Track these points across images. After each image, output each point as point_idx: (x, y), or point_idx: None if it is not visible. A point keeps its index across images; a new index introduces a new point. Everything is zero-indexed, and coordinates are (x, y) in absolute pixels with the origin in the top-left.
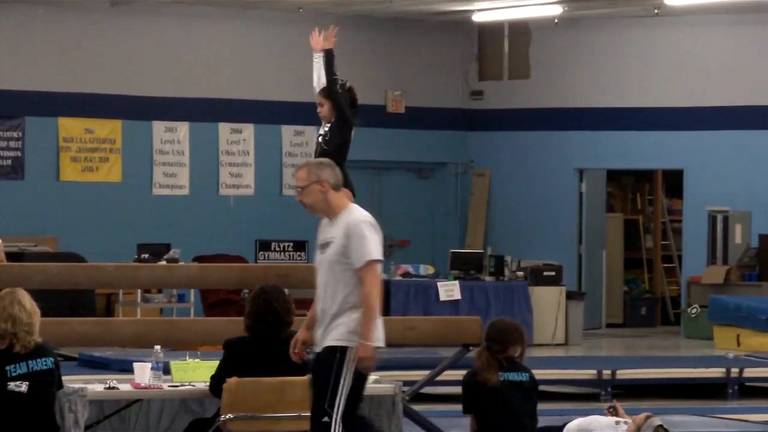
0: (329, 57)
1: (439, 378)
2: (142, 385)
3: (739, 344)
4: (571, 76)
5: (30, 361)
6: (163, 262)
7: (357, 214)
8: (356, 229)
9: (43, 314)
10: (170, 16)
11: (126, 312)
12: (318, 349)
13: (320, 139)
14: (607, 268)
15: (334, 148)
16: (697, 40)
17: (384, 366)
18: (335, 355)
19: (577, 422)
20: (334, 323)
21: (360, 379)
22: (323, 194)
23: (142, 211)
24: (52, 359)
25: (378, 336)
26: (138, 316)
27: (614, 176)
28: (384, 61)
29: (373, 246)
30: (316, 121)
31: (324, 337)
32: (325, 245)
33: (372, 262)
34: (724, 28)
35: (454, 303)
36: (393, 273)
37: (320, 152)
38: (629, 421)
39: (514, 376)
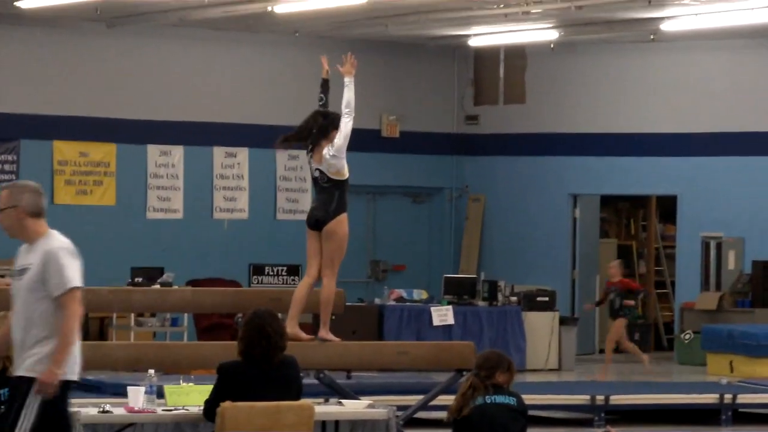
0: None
1: (432, 403)
2: (136, 408)
3: (732, 370)
4: (566, 101)
5: None
6: (157, 286)
7: (56, 241)
8: (55, 256)
9: None
10: (165, 40)
11: (119, 335)
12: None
13: None
14: (601, 294)
15: None
16: (693, 65)
17: (378, 390)
18: (23, 385)
19: None
20: (29, 353)
21: (52, 408)
22: (18, 220)
23: (136, 235)
24: None
25: (71, 368)
26: (131, 340)
27: (608, 202)
28: (379, 86)
29: (73, 273)
30: None
31: (19, 367)
32: (22, 272)
33: (72, 290)
34: (719, 54)
35: (447, 328)
36: (386, 298)
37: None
38: None
39: (501, 399)
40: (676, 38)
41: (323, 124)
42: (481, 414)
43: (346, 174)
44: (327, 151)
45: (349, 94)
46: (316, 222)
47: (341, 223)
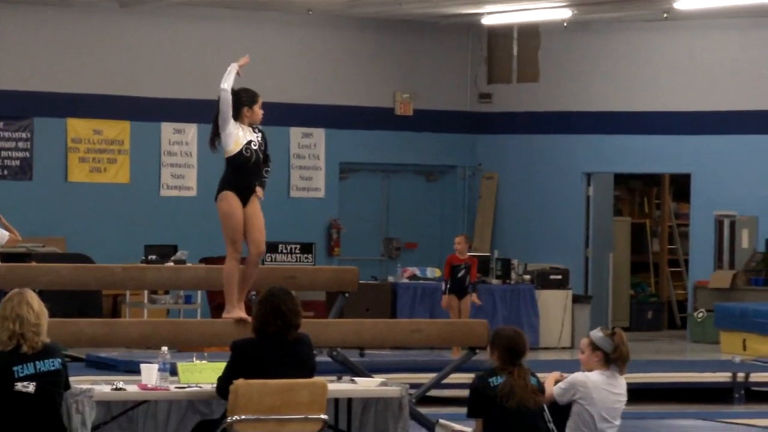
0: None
1: (445, 381)
2: (149, 386)
3: (745, 348)
4: (579, 79)
5: (37, 362)
6: (171, 264)
7: None
8: None
9: (51, 315)
10: (179, 18)
11: (133, 313)
12: None
13: (256, 146)
14: (614, 272)
15: None
16: (706, 44)
17: (391, 368)
18: None
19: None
20: None
21: None
22: None
23: (149, 213)
24: (59, 360)
25: None
26: (145, 317)
27: (622, 180)
28: (393, 64)
29: None
30: (324, 124)
31: None
32: None
33: None
34: (733, 32)
35: None
36: (400, 275)
37: (263, 159)
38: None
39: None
40: (689, 16)
41: (232, 102)
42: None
43: (230, 152)
44: None
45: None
46: None
47: (219, 201)
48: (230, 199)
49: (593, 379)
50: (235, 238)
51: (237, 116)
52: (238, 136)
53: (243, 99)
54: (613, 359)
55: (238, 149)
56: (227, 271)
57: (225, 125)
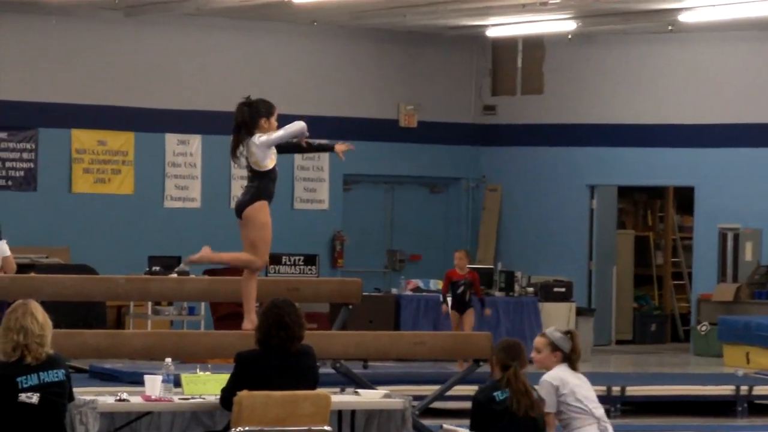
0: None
1: (449, 393)
2: (153, 397)
3: (748, 362)
4: (584, 91)
5: (41, 373)
6: (174, 275)
7: None
8: None
9: (56, 326)
10: (184, 29)
11: (136, 324)
12: None
13: None
14: (618, 285)
15: None
16: (711, 56)
17: (394, 380)
18: None
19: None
20: None
21: None
22: None
23: (153, 224)
24: (63, 371)
25: None
26: (148, 329)
27: (625, 193)
28: (397, 75)
29: None
30: (330, 136)
31: None
32: None
33: None
34: (738, 45)
35: None
36: (403, 287)
37: None
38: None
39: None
40: (693, 29)
41: (249, 113)
42: (509, 411)
43: (267, 167)
44: (255, 138)
45: (296, 128)
46: (236, 211)
47: (258, 210)
48: (267, 209)
49: (562, 372)
50: (269, 249)
51: (254, 127)
52: (274, 152)
53: (261, 110)
54: (572, 358)
55: (274, 164)
56: (248, 260)
57: (273, 144)
